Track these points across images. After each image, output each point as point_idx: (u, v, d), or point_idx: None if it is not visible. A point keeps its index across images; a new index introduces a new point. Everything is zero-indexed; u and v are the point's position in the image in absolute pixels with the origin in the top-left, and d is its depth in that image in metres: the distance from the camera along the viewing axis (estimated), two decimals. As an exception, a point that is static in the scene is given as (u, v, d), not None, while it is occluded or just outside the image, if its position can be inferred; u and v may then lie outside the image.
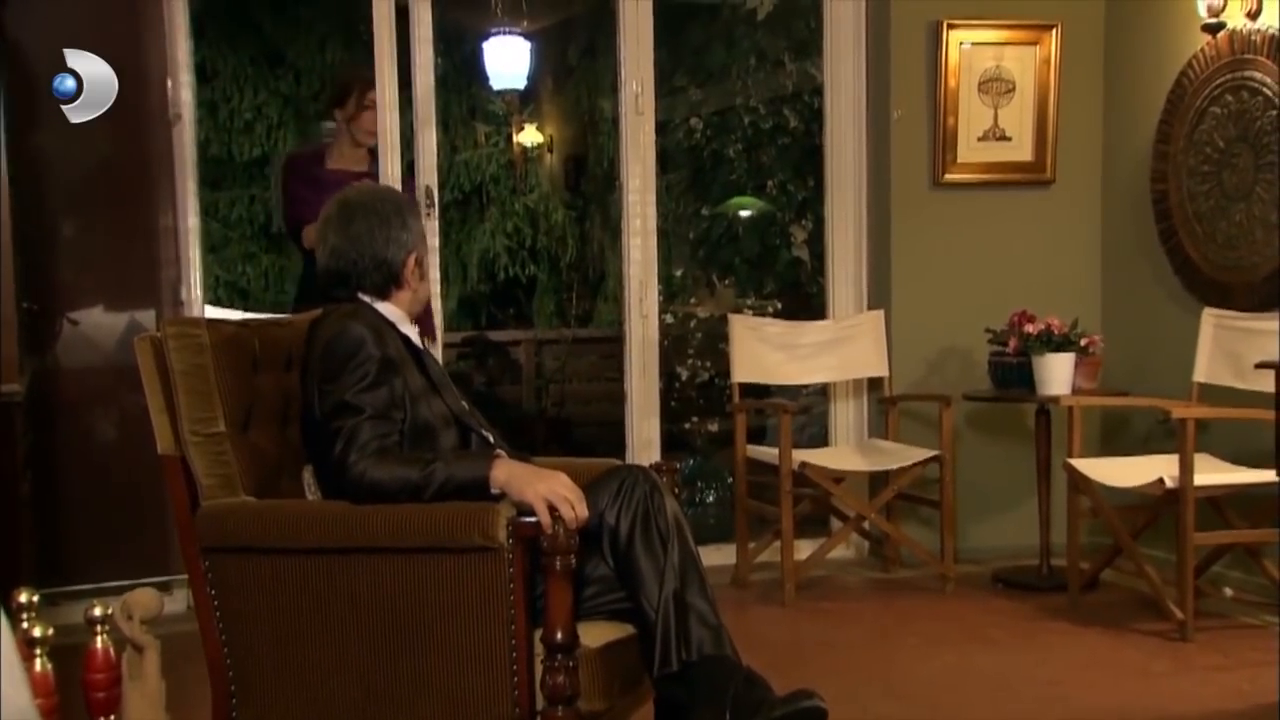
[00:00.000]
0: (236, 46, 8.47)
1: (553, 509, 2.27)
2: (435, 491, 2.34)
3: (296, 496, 2.55)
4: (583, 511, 2.30)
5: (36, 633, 2.11)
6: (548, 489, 2.29)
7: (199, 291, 4.61)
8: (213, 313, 5.35)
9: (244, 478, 2.45)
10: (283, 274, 8.91)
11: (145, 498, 4.23)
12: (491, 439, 2.66)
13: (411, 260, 2.64)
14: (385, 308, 2.63)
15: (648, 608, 2.39)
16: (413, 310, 2.70)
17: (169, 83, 4.49)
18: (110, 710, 2.22)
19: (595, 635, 2.40)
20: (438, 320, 4.64)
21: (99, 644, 2.20)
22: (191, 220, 4.58)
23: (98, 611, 2.20)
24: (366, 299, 2.62)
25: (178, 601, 4.04)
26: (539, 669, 2.28)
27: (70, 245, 4.44)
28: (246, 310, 7.90)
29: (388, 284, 2.63)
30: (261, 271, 8.82)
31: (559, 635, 2.25)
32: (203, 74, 8.14)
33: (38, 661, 2.11)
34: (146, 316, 4.46)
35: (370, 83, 4.50)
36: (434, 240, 4.82)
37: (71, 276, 4.41)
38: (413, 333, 2.67)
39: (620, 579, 2.44)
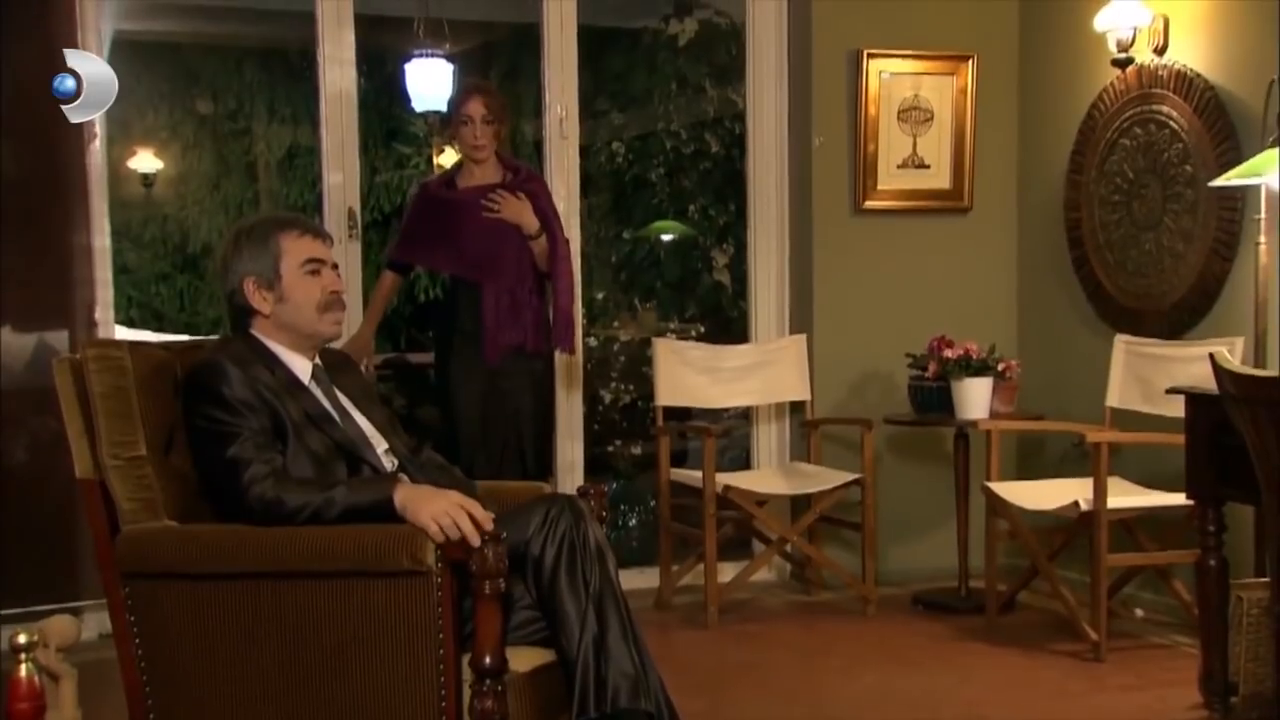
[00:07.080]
0: (151, 65, 8.33)
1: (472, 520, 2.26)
2: (337, 516, 2.31)
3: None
4: (480, 514, 2.28)
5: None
6: (438, 509, 2.28)
7: (110, 312, 4.50)
8: (124, 334, 5.23)
9: (166, 502, 2.41)
10: (198, 294, 8.77)
11: (52, 523, 4.12)
12: (390, 467, 2.59)
13: (249, 285, 2.55)
14: (266, 339, 2.57)
15: (568, 650, 2.37)
16: (299, 338, 2.58)
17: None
18: (33, 740, 2.17)
19: (524, 660, 2.39)
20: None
21: (23, 672, 2.14)
22: (103, 240, 4.48)
23: (22, 639, 2.14)
24: (254, 331, 2.58)
25: (88, 629, 3.94)
26: (467, 694, 2.26)
27: (-23, 264, 4.32)
28: (160, 331, 7.77)
29: (242, 316, 2.58)
30: (176, 292, 8.68)
31: (488, 660, 2.24)
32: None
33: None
34: (57, 338, 4.35)
35: (465, 97, 4.24)
36: (356, 263, 4.79)
37: (-22, 296, 4.29)
38: (299, 366, 2.59)
39: (542, 612, 2.42)
